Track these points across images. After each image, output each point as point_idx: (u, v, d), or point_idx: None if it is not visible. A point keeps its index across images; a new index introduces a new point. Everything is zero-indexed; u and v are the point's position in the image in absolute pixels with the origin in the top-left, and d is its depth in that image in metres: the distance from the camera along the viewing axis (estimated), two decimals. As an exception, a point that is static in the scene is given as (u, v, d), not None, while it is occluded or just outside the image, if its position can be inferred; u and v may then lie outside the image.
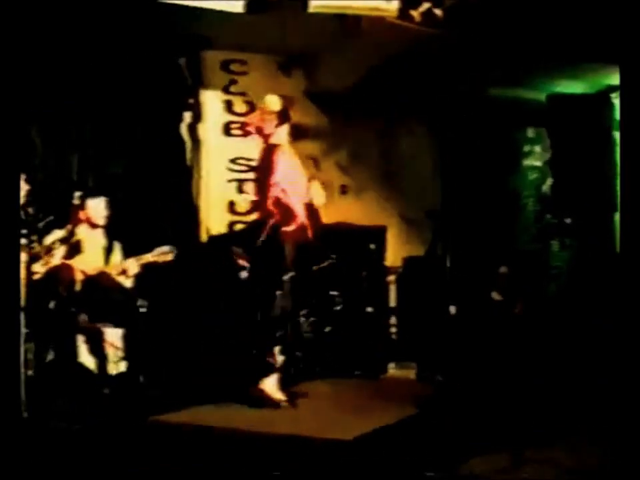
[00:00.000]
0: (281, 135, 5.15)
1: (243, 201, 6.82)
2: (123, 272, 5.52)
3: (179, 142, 7.27)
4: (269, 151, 5.13)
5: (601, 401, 4.48)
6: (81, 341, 5.31)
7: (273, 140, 5.14)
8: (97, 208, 5.69)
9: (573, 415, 4.56)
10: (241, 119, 7.46)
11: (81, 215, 5.61)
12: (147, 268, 5.57)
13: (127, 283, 5.55)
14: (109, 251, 5.65)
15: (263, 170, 5.15)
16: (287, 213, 5.03)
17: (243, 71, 7.45)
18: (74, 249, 5.45)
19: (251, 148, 7.42)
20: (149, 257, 5.54)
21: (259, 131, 5.21)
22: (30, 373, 4.66)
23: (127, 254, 5.63)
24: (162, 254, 5.54)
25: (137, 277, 5.58)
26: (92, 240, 5.62)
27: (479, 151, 7.20)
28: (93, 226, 5.64)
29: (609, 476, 3.39)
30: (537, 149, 7.76)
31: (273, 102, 5.22)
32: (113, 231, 5.72)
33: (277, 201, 5.02)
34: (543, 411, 4.59)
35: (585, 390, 4.95)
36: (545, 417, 4.47)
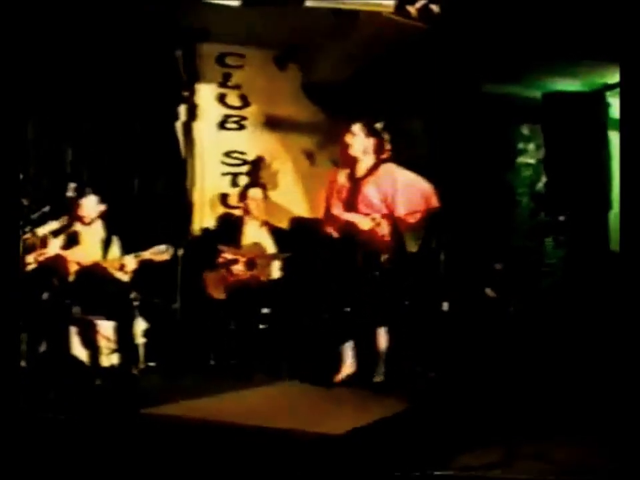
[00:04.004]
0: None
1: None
2: (121, 267, 5.56)
3: (173, 135, 7.25)
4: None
5: (597, 397, 4.49)
6: (73, 332, 5.32)
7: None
8: (89, 206, 5.72)
9: (567, 411, 4.57)
10: (236, 113, 7.47)
11: (76, 211, 5.64)
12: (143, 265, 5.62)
13: (125, 278, 5.58)
14: (106, 244, 5.67)
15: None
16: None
17: (239, 64, 7.44)
18: (70, 240, 5.47)
19: (245, 141, 7.49)
20: (146, 255, 5.57)
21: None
22: (22, 364, 4.68)
23: (126, 248, 5.65)
24: (158, 253, 5.58)
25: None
26: (89, 232, 5.63)
27: (474, 147, 7.18)
28: (86, 223, 5.68)
29: (603, 472, 3.41)
30: (531, 146, 7.75)
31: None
32: (111, 224, 5.74)
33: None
34: (537, 407, 4.60)
35: (579, 386, 4.96)
36: (539, 413, 4.48)
